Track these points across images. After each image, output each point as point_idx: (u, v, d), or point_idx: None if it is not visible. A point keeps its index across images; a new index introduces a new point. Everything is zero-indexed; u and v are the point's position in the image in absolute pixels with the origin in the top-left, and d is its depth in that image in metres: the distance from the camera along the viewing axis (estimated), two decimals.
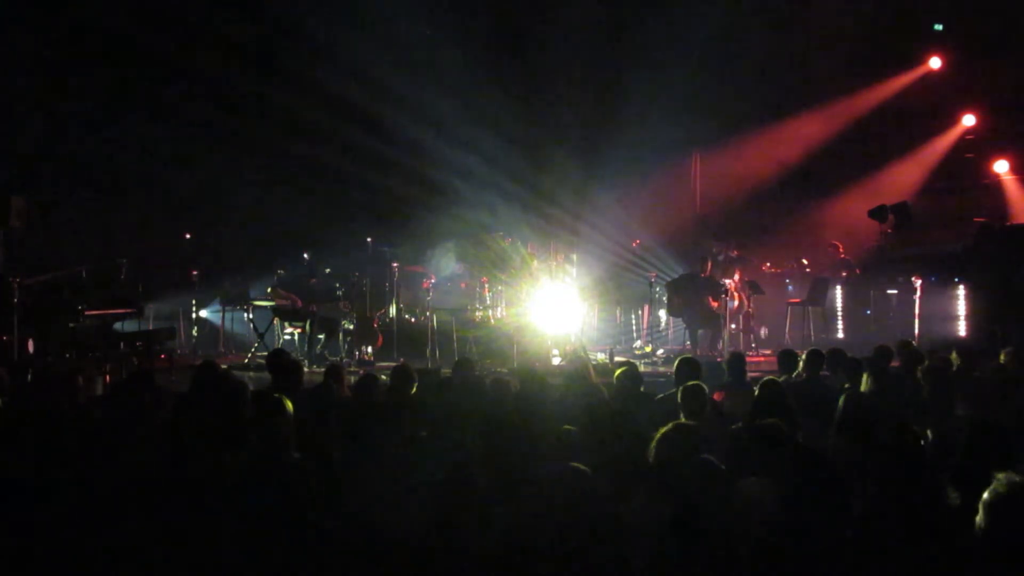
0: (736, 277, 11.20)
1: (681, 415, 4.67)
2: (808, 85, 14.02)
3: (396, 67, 12.72)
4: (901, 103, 13.83)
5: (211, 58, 11.78)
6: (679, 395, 4.93)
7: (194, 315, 11.06)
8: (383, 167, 12.82)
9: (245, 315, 10.69)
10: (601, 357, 9.73)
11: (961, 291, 10.49)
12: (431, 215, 13.13)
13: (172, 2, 11.63)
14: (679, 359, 6.24)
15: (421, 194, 13.08)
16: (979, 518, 2.82)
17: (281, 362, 6.51)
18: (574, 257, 13.39)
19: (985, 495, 2.84)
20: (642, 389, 5.74)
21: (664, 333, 11.95)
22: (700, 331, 10.91)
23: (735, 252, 11.96)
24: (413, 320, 11.45)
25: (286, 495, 3.50)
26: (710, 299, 10.70)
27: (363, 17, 12.34)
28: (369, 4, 12.24)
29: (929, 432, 4.93)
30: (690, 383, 5.03)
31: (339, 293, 10.55)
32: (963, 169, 13.98)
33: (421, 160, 13.13)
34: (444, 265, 11.87)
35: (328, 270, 11.43)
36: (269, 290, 10.51)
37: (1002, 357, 6.87)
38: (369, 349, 10.48)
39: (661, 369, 9.74)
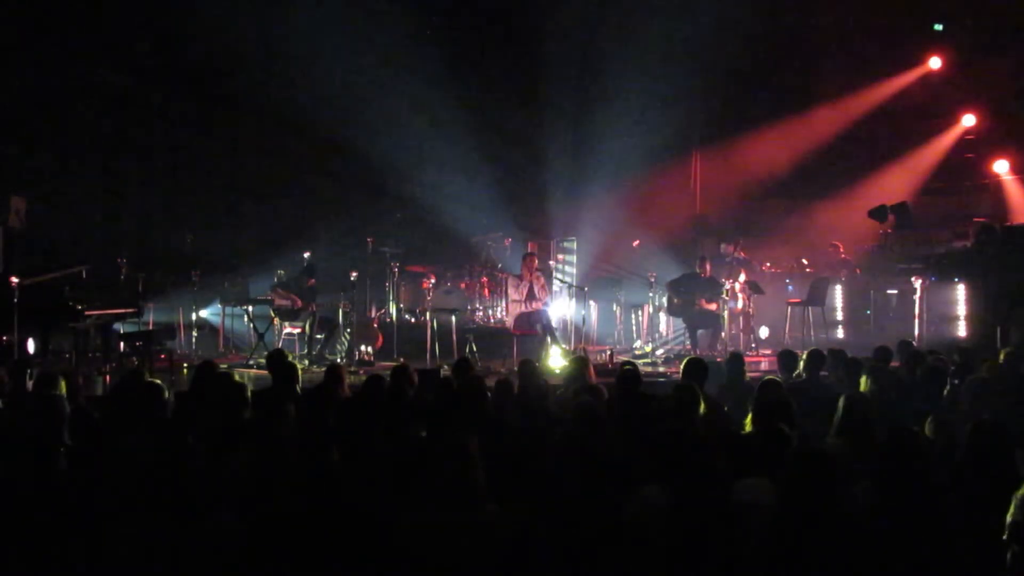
0: (742, 278, 11.20)
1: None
2: (808, 85, 14.03)
3: (394, 68, 12.73)
4: (901, 103, 13.84)
5: (210, 59, 11.78)
6: (673, 396, 4.95)
7: (194, 315, 11.04)
8: (382, 167, 12.84)
9: (245, 315, 10.69)
10: (601, 357, 9.73)
11: (961, 291, 10.48)
12: (429, 215, 13.14)
13: (172, 6, 11.64)
14: (687, 360, 6.24)
15: (418, 194, 13.09)
16: (1011, 513, 2.88)
17: (281, 362, 6.53)
18: (574, 257, 13.41)
19: (1019, 492, 2.90)
20: (642, 389, 5.74)
21: (664, 333, 11.95)
22: (700, 331, 10.90)
23: (742, 254, 11.96)
24: (413, 320, 11.46)
25: (286, 495, 3.50)
26: (708, 300, 10.70)
27: (362, 18, 12.34)
28: (369, 6, 12.25)
29: (929, 432, 4.94)
30: (682, 383, 5.04)
31: (344, 287, 10.55)
32: (963, 169, 13.98)
33: (418, 160, 13.16)
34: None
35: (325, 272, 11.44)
36: (269, 290, 10.51)
37: (1002, 357, 6.87)
38: (369, 349, 10.48)
39: (661, 369, 9.75)
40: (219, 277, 11.63)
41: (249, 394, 5.03)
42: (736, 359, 6.77)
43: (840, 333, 11.91)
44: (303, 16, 12.62)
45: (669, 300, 11.07)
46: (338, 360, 9.74)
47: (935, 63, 13.79)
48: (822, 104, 13.91)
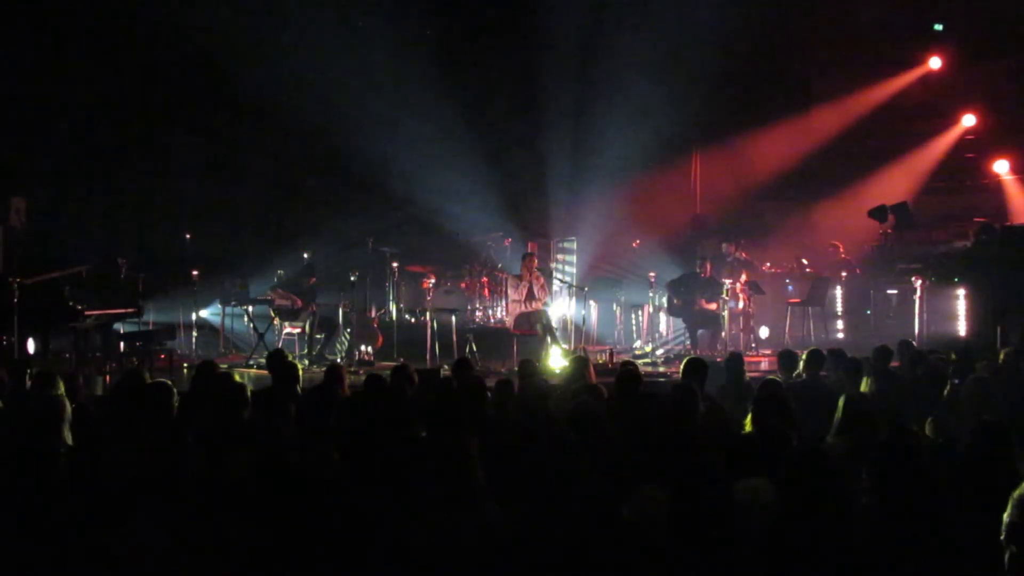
0: (743, 278, 11.20)
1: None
2: (808, 85, 14.03)
3: (395, 68, 12.73)
4: (901, 103, 13.84)
5: (211, 60, 11.78)
6: (673, 396, 4.95)
7: (194, 315, 11.05)
8: (383, 167, 12.83)
9: (245, 315, 10.69)
10: (601, 357, 9.73)
11: (961, 291, 10.49)
12: (429, 215, 13.15)
13: (172, 7, 11.63)
14: (686, 359, 6.25)
15: (418, 194, 13.09)
16: (1008, 513, 2.88)
17: (281, 362, 6.52)
18: (574, 257, 13.41)
19: (1016, 492, 2.90)
20: (642, 389, 5.73)
21: (664, 333, 11.95)
22: (700, 331, 10.91)
23: (743, 254, 11.95)
24: (413, 320, 11.46)
25: (286, 495, 3.50)
26: (708, 300, 10.71)
27: (362, 19, 12.35)
28: (370, 6, 12.25)
29: (929, 432, 4.94)
30: (682, 383, 5.04)
31: (344, 287, 10.56)
32: (963, 169, 13.99)
33: (418, 160, 13.15)
34: None
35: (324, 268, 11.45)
36: (269, 290, 10.51)
37: (1002, 357, 6.87)
38: (369, 349, 10.48)
39: (661, 369, 9.75)
40: (219, 277, 11.63)
41: (249, 394, 5.03)
42: (736, 359, 6.77)
43: (840, 333, 11.90)
44: (303, 16, 12.62)
45: (669, 300, 11.07)
46: (338, 360, 9.74)
47: (935, 63, 13.79)
48: (822, 104, 13.91)
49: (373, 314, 11.46)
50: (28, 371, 6.33)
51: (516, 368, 7.73)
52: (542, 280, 10.61)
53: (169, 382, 5.17)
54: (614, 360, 9.36)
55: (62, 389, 5.24)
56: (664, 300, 11.28)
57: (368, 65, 12.64)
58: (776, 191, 14.36)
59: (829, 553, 3.05)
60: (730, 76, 13.58)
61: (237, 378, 5.67)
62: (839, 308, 12.10)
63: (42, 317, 8.28)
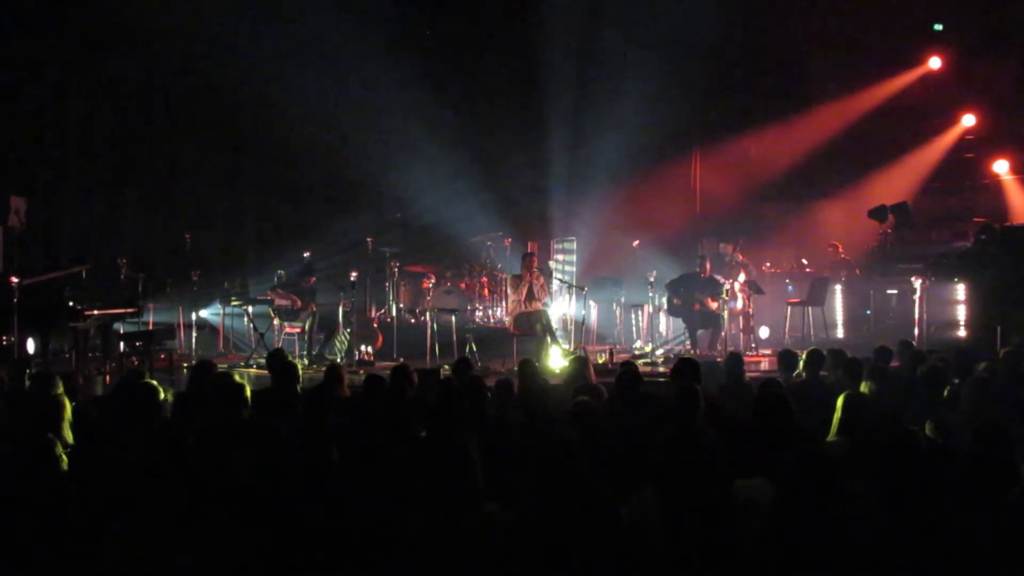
0: (742, 278, 11.20)
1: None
2: (808, 85, 14.04)
3: (395, 69, 12.74)
4: (901, 103, 13.85)
5: (210, 61, 11.79)
6: (674, 396, 4.93)
7: (194, 315, 11.04)
8: (383, 167, 12.84)
9: (245, 315, 10.69)
10: (601, 357, 9.73)
11: (961, 291, 10.49)
12: (429, 215, 13.15)
13: (173, 11, 11.64)
14: (677, 359, 6.25)
15: (418, 194, 13.10)
16: None
17: (281, 362, 6.52)
18: (573, 257, 13.41)
19: None
20: (642, 389, 5.73)
21: (664, 333, 11.95)
22: (700, 331, 10.91)
23: (740, 256, 11.95)
24: (413, 320, 11.46)
25: (286, 495, 3.50)
26: (709, 299, 10.71)
27: (361, 20, 12.35)
28: (369, 8, 12.26)
29: (929, 432, 4.94)
30: (682, 384, 5.03)
31: (344, 287, 10.57)
32: (963, 169, 13.99)
33: (419, 161, 13.15)
34: None
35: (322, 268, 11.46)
36: (269, 290, 10.52)
37: (1002, 357, 6.87)
38: (369, 349, 10.49)
39: (661, 369, 9.74)
40: (219, 277, 11.63)
41: (249, 394, 5.03)
42: (736, 359, 6.76)
43: (840, 333, 11.90)
44: (302, 18, 12.62)
45: (669, 300, 11.07)
46: (338, 360, 9.74)
47: (935, 63, 13.81)
48: (822, 104, 13.92)
49: (373, 314, 11.46)
50: (28, 371, 6.33)
51: (516, 368, 7.72)
52: (542, 280, 10.59)
53: (154, 382, 5.16)
54: (614, 360, 9.36)
55: (62, 389, 5.24)
56: (664, 300, 11.28)
57: (367, 67, 12.65)
58: (776, 191, 14.37)
59: (829, 553, 3.04)
60: (730, 76, 13.59)
61: (237, 378, 5.66)
62: (839, 308, 12.11)
63: (42, 317, 8.28)
